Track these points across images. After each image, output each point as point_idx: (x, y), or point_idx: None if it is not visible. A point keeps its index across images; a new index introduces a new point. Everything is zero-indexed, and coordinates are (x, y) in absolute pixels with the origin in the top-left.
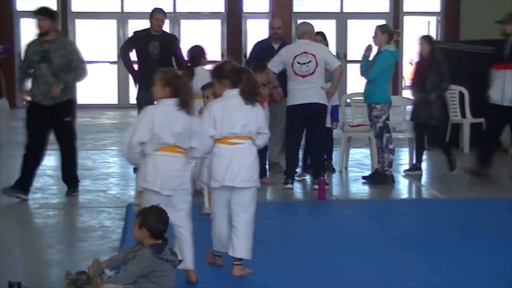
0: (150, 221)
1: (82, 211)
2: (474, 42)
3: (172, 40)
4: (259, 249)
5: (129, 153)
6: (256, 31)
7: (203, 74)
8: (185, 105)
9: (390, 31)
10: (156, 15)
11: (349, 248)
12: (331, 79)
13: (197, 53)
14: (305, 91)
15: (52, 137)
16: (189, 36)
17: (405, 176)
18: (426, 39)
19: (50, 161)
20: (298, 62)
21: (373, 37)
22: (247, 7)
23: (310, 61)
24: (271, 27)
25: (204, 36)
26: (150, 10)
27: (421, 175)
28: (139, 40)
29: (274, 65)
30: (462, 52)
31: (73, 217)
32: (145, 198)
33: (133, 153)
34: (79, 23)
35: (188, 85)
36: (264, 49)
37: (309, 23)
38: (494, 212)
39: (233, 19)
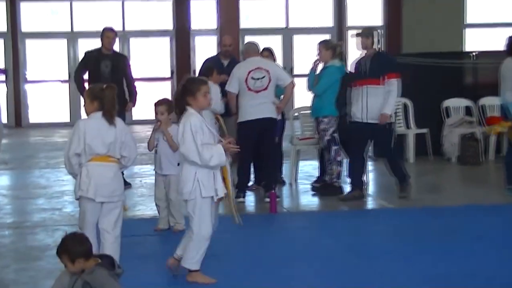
0: (76, 249)
1: (37, 229)
2: (416, 54)
3: (122, 60)
4: (212, 263)
5: (68, 165)
6: (205, 48)
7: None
8: (108, 116)
9: (333, 46)
10: (107, 33)
11: (302, 260)
12: (279, 93)
13: (205, 71)
14: (258, 107)
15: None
16: (139, 54)
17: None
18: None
19: (3, 180)
20: (252, 78)
21: (318, 54)
22: (195, 24)
23: (264, 76)
24: (221, 44)
25: (153, 54)
26: (99, 29)
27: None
28: (91, 59)
29: (232, 86)
30: (405, 65)
31: (29, 236)
32: (81, 206)
33: (72, 165)
34: (29, 43)
35: (111, 97)
36: (214, 66)
37: (256, 43)
38: (439, 219)
39: (182, 37)
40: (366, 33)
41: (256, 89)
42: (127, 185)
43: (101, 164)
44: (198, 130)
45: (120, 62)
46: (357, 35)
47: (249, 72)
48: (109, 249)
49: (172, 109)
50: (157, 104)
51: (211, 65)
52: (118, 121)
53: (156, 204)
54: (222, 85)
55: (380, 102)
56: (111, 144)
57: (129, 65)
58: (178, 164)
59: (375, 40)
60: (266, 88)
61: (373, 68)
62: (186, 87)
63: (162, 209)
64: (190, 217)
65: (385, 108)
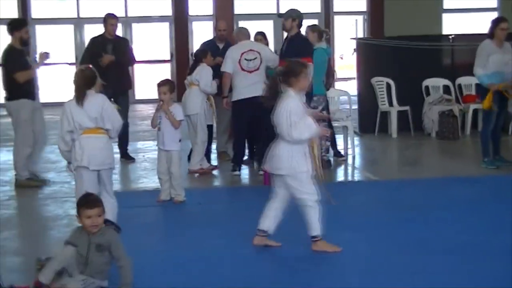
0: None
1: (48, 201)
2: (397, 38)
3: (124, 43)
4: (210, 231)
5: (62, 142)
6: (201, 32)
7: (201, 69)
8: (76, 95)
9: (320, 30)
10: (110, 20)
11: (292, 226)
12: (271, 74)
13: (200, 53)
14: (251, 86)
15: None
16: (141, 38)
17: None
18: None
19: None
20: (246, 59)
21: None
22: (192, 10)
23: (255, 57)
24: (216, 29)
25: (154, 38)
26: (104, 16)
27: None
28: (96, 44)
29: (227, 66)
30: (388, 47)
31: (41, 207)
32: (77, 176)
33: (66, 142)
34: (39, 28)
35: (78, 79)
36: (210, 49)
37: (245, 28)
38: (419, 191)
39: (180, 22)
40: (287, 15)
41: (249, 69)
42: (130, 159)
43: (91, 136)
44: (293, 112)
45: (122, 46)
46: (279, 16)
47: (242, 54)
48: (109, 207)
49: (173, 89)
50: (159, 85)
51: (205, 48)
52: (100, 98)
53: (158, 177)
54: (216, 67)
55: None
56: (95, 119)
57: (131, 48)
58: (180, 141)
59: (296, 23)
60: (258, 69)
61: (288, 50)
62: (290, 69)
63: (164, 182)
64: (293, 190)
65: None
